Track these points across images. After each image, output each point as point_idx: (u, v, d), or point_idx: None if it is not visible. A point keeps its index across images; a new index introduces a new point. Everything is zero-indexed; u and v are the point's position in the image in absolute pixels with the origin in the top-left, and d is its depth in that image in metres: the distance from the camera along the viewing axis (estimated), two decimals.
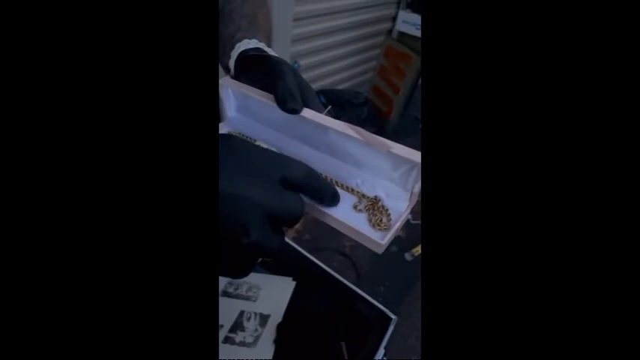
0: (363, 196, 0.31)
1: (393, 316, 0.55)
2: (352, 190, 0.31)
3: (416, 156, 0.27)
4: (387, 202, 0.30)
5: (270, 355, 0.46)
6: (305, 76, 1.80)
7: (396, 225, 0.28)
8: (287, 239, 0.67)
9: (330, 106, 0.33)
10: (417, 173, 0.27)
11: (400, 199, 0.29)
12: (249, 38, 0.38)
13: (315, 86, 1.69)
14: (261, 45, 0.37)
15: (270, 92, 0.31)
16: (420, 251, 1.37)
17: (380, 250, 0.28)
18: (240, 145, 0.25)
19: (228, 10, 0.42)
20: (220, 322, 0.50)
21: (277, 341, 0.48)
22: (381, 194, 0.30)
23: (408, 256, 1.35)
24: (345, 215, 0.29)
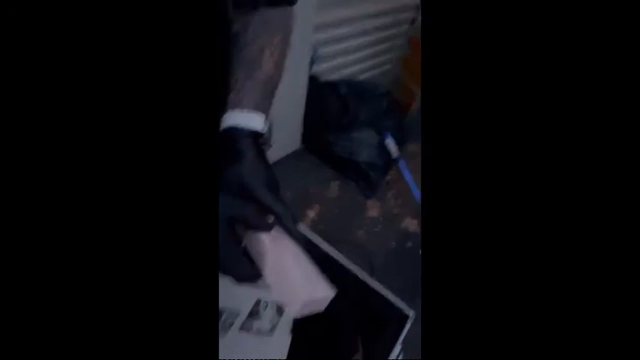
0: None
1: (410, 313, 0.55)
2: None
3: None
4: None
5: (287, 345, 0.46)
6: (326, 65, 1.77)
7: None
8: (304, 228, 0.67)
9: None
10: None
11: None
12: (240, 103, 0.37)
13: (336, 76, 1.66)
14: (252, 120, 0.37)
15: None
16: None
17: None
18: None
19: (235, 31, 0.41)
20: (237, 309, 0.51)
21: (294, 332, 0.48)
22: None
23: None
24: None
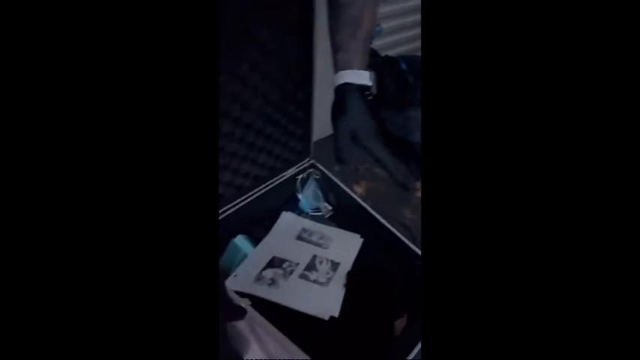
0: None
1: None
2: None
3: None
4: None
5: (341, 297, 0.50)
6: (387, 40, 1.71)
7: None
8: (357, 198, 0.70)
9: None
10: None
11: None
12: (349, 63, 0.42)
13: (396, 51, 1.62)
14: (362, 76, 0.42)
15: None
16: None
17: None
18: None
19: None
20: (296, 261, 0.56)
21: (347, 286, 0.52)
22: None
23: None
24: None
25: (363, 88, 0.42)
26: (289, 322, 0.45)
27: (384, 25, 1.43)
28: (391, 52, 1.58)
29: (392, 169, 0.40)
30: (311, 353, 0.41)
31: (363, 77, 0.42)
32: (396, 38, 1.59)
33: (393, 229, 0.64)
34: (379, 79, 1.37)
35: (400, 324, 0.56)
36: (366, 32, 0.44)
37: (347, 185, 0.76)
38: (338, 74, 0.43)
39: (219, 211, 0.60)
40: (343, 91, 0.42)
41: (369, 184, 1.38)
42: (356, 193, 1.25)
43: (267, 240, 0.61)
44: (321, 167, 0.74)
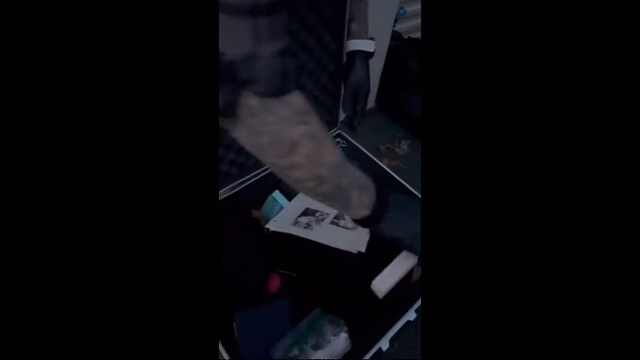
0: None
1: None
2: None
3: None
4: None
5: (366, 240, 0.58)
6: (410, 23, 1.73)
7: None
8: (383, 165, 0.76)
9: None
10: None
11: None
12: (360, 33, 0.53)
13: (420, 35, 1.65)
14: (369, 45, 0.54)
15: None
16: None
17: None
18: None
19: None
20: (327, 212, 0.64)
21: (371, 232, 0.59)
22: None
23: None
24: None
25: (368, 55, 0.54)
26: (323, 255, 0.53)
27: (408, 9, 1.47)
28: (414, 35, 1.61)
29: (356, 121, 0.55)
30: (342, 281, 0.48)
31: (369, 46, 0.54)
32: (418, 22, 1.61)
33: (416, 192, 0.71)
34: (402, 60, 1.41)
35: (417, 271, 0.63)
36: (366, 4, 0.54)
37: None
38: (351, 42, 0.54)
39: (258, 171, 0.68)
40: (354, 56, 0.54)
41: (390, 162, 1.43)
42: None
43: (300, 195, 0.69)
44: (347, 136, 0.81)
